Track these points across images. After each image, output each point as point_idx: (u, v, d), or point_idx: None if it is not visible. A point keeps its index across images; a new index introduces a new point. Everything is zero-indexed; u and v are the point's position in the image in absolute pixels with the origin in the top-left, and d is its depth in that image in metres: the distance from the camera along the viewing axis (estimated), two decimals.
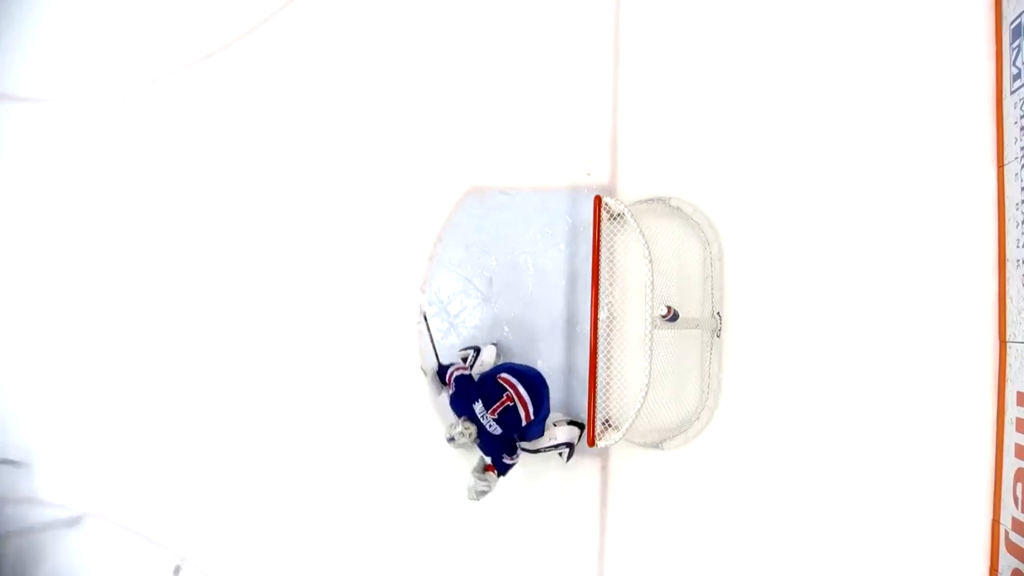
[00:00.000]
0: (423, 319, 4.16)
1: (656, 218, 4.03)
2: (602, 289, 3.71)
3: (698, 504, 4.09)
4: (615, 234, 3.77)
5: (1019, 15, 3.53)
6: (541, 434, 3.95)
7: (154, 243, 5.08)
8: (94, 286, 5.19)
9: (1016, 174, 3.52)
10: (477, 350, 4.18)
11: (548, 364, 4.32)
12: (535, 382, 3.79)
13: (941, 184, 3.82)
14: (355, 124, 4.72)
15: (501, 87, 4.48)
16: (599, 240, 3.69)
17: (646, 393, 3.44)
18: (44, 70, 5.33)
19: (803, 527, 3.93)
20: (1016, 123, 3.53)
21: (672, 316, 3.48)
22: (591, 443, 3.62)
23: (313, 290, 4.74)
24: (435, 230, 4.55)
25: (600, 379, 3.66)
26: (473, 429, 3.59)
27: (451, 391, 3.77)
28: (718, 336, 4.11)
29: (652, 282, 3.48)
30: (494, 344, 4.33)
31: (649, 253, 3.51)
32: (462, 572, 4.43)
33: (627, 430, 3.57)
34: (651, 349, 3.46)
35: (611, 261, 3.77)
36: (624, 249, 3.77)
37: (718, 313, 4.10)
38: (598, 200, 3.69)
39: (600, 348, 3.67)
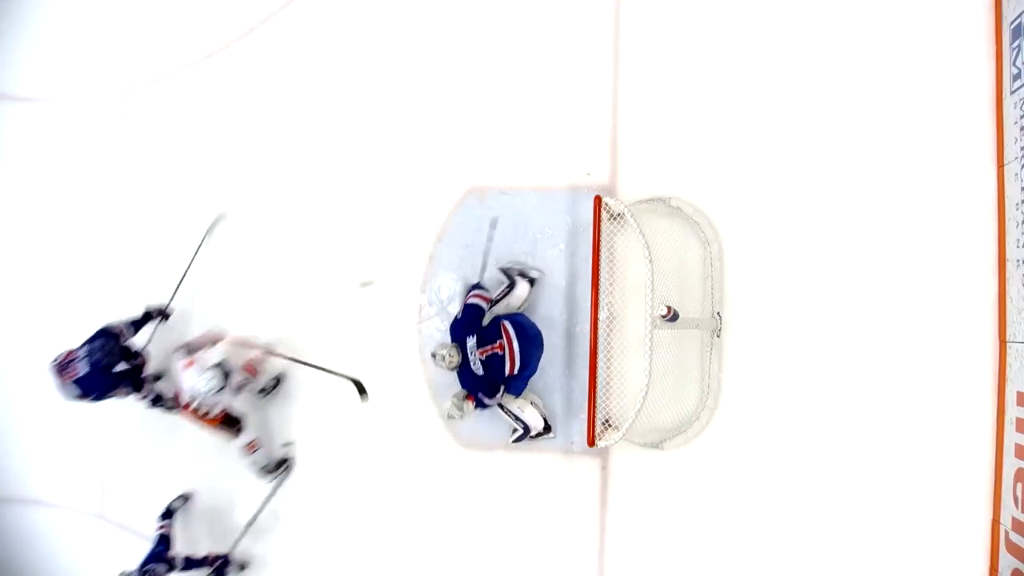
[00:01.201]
0: (492, 227, 4.26)
1: (656, 218, 4.03)
2: (602, 289, 3.70)
3: (698, 504, 4.09)
4: (615, 234, 3.77)
5: (1019, 15, 3.53)
6: (519, 394, 4.08)
7: (154, 243, 5.08)
8: (94, 286, 5.19)
9: (1016, 174, 3.52)
10: (512, 284, 4.18)
11: (548, 364, 4.33)
12: (531, 342, 3.97)
13: (941, 184, 3.82)
14: (355, 124, 4.72)
15: (501, 87, 4.48)
16: (599, 240, 3.68)
17: (646, 393, 3.44)
18: (44, 70, 5.34)
19: (803, 527, 3.93)
20: (1016, 123, 3.53)
21: (672, 316, 3.47)
22: (591, 443, 3.62)
23: (313, 290, 4.75)
24: (435, 230, 4.55)
25: (600, 379, 3.66)
26: (456, 360, 3.81)
27: (458, 314, 3.94)
28: (718, 336, 4.11)
29: (652, 282, 3.48)
30: (531, 281, 4.26)
31: (649, 253, 3.50)
32: (462, 572, 4.43)
33: (627, 430, 3.57)
34: (651, 349, 3.46)
35: (611, 261, 3.77)
36: (624, 249, 3.77)
37: (718, 313, 4.10)
38: (598, 200, 3.69)
39: (600, 348, 3.67)
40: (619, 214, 3.69)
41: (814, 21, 4.04)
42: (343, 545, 4.64)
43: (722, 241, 4.12)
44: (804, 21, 4.06)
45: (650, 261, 3.50)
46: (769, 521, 3.98)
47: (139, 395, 4.49)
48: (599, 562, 4.25)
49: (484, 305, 3.96)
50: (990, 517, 3.62)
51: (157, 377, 4.58)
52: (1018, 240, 3.51)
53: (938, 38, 3.85)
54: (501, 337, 3.87)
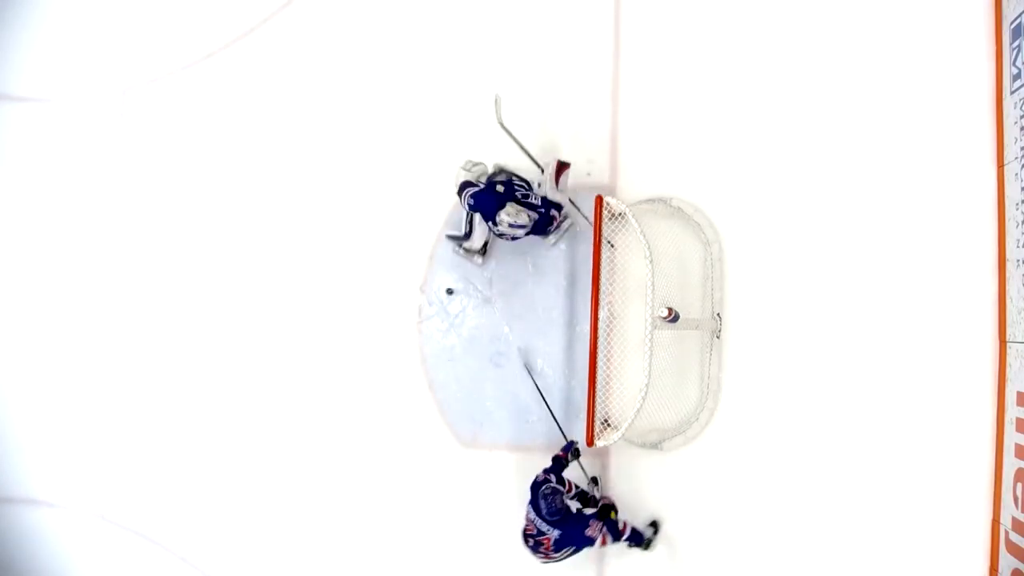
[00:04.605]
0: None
1: (657, 219, 4.03)
2: (602, 289, 3.70)
3: (697, 504, 4.09)
4: (616, 234, 3.77)
5: (1019, 15, 3.53)
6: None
7: (154, 243, 5.09)
8: (94, 286, 5.19)
9: (1016, 174, 3.52)
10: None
11: (548, 364, 4.33)
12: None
13: (941, 184, 3.82)
14: (355, 124, 4.72)
15: (501, 87, 4.47)
16: (599, 240, 3.68)
17: (646, 393, 3.44)
18: (44, 70, 5.34)
19: (803, 527, 3.93)
20: (1016, 123, 3.53)
21: (673, 317, 3.48)
22: (590, 443, 3.62)
23: (314, 289, 4.75)
24: (435, 230, 4.55)
25: (600, 379, 3.66)
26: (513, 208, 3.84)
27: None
28: (718, 337, 4.11)
29: (653, 283, 3.48)
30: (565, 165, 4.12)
31: (650, 253, 3.51)
32: (463, 571, 4.43)
33: (627, 430, 3.57)
34: (651, 349, 3.46)
35: (611, 261, 3.77)
36: (624, 249, 3.77)
37: (718, 314, 4.10)
38: (599, 200, 3.69)
39: (600, 348, 3.67)
40: (620, 214, 3.68)
41: (814, 21, 4.04)
42: (343, 544, 4.63)
43: (722, 242, 4.12)
44: (804, 21, 4.06)
45: (651, 261, 3.50)
46: (769, 521, 3.98)
47: None
48: (599, 562, 4.25)
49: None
50: (990, 517, 3.62)
51: None
52: (1018, 240, 3.51)
53: (938, 38, 3.85)
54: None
